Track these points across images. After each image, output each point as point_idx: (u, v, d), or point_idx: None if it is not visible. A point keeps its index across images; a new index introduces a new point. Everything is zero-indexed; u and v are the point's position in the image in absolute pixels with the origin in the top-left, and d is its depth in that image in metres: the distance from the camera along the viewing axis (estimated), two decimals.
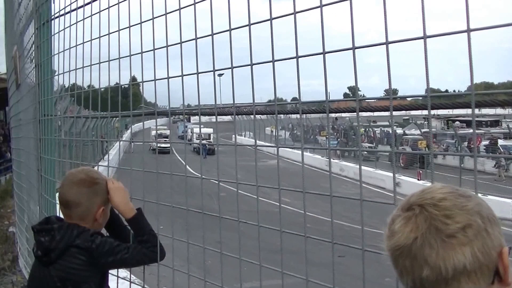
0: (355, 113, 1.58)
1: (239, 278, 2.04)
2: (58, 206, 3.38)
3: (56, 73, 3.35)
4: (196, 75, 2.09)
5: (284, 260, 1.89)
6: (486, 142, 31.88)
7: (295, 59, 1.64)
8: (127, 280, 2.74)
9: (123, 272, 3.10)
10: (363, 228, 1.66)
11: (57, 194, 3.47)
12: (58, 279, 2.00)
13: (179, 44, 2.14)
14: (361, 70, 1.54)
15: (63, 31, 3.08)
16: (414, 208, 0.98)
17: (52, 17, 3.30)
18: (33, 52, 3.66)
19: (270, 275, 1.99)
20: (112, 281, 2.39)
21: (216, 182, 2.21)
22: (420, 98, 1.64)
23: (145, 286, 2.65)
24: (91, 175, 2.13)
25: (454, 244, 0.92)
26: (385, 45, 1.40)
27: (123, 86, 2.81)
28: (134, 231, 2.17)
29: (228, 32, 1.87)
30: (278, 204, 1.92)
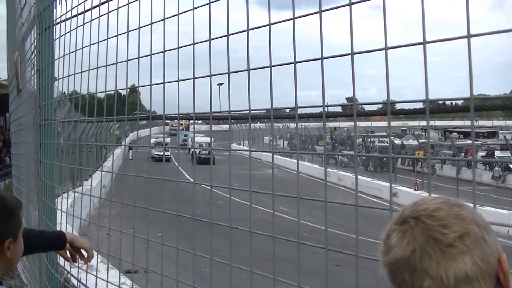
0: (353, 123, 1.57)
1: (236, 286, 2.03)
2: (57, 211, 3.39)
3: (56, 78, 3.37)
4: (192, 80, 2.11)
5: (279, 268, 1.88)
6: (483, 153, 31.93)
7: (293, 65, 1.63)
8: (116, 285, 2.71)
9: (114, 277, 3.09)
10: (358, 235, 1.66)
11: (56, 200, 3.48)
12: None
13: (176, 50, 2.16)
14: (359, 81, 1.53)
15: (63, 36, 3.11)
16: (409, 221, 0.96)
17: (54, 22, 3.33)
18: (35, 57, 3.69)
19: (267, 284, 1.98)
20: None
21: (209, 188, 2.21)
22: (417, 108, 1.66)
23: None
24: None
25: (454, 253, 0.91)
26: (383, 51, 1.39)
27: (122, 94, 2.84)
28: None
29: (226, 38, 1.89)
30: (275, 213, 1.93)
